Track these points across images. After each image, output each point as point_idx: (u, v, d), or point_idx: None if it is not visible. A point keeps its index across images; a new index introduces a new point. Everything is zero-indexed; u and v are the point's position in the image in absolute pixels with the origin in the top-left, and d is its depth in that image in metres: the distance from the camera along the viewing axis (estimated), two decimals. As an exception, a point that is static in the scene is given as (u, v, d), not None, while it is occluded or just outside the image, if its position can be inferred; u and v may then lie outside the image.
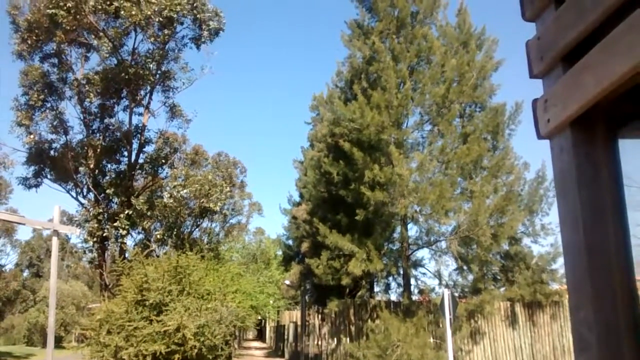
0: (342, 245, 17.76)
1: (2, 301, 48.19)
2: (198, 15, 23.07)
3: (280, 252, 38.17)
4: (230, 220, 39.12)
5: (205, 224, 32.69)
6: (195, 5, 22.82)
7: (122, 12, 21.47)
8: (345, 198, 18.50)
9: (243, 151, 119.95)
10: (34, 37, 23.19)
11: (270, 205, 65.33)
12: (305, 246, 24.54)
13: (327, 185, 20.50)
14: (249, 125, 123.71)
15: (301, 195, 31.41)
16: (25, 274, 57.41)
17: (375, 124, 17.54)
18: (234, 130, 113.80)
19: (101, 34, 23.34)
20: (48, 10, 21.49)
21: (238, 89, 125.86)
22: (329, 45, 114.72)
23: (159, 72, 24.06)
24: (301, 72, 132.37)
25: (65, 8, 21.20)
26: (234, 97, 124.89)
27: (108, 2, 21.61)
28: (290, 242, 35.15)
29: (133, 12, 21.12)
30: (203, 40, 23.89)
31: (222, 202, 26.18)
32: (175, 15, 22.13)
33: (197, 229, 31.19)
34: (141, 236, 26.21)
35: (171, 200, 23.85)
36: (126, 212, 22.35)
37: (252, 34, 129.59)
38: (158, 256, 23.08)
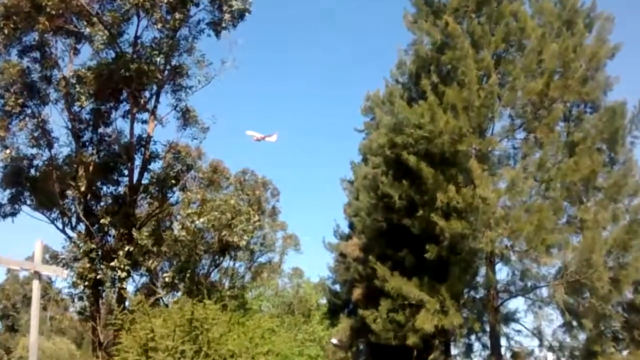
0: (408, 292, 18.66)
1: (-34, 363, 51.37)
2: (217, -6, 24.85)
3: (324, 301, 39.15)
4: (259, 259, 40.53)
5: (227, 263, 34.20)
6: (212, -19, 24.61)
7: (122, -8, 23.35)
8: (410, 229, 19.44)
9: (274, 168, 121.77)
10: (11, 26, 25.08)
11: (311, 238, 66.26)
12: (357, 293, 25.52)
13: (386, 212, 21.47)
14: (282, 134, 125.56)
15: (351, 226, 32.43)
16: (-1, 327, 61.17)
17: (450, 130, 18.49)
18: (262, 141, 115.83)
19: (95, 19, 25.28)
20: (28, -8, 23.55)
21: (266, 87, 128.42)
22: (386, 28, 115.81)
23: (168, 67, 25.80)
24: (348, 64, 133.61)
25: (48, -11, 23.13)
26: (261, 98, 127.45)
27: (103, -21, 23.54)
28: (337, 287, 36.20)
29: (137, -9, 22.93)
30: (224, 25, 25.49)
31: (249, 234, 27.56)
32: (187, -6, 23.94)
33: (216, 270, 32.73)
34: (145, 279, 27.88)
35: (183, 233, 25.39)
36: (126, 249, 23.95)
37: (284, 16, 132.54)
38: (167, 305, 24.61)
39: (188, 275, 27.49)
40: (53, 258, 27.34)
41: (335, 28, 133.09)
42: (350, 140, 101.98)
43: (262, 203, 38.04)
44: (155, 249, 25.78)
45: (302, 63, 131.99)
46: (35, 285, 14.98)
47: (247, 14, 25.92)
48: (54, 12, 23.70)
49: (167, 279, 26.62)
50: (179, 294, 27.36)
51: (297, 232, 47.62)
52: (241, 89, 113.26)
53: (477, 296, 20.15)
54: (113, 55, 25.78)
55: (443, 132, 18.57)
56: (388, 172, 21.51)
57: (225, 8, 25.40)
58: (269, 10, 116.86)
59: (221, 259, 31.28)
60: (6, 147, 25.16)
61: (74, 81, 25.86)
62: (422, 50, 21.06)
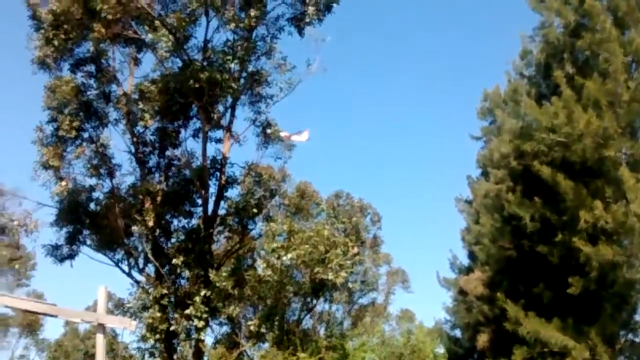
0: (547, 336, 18.53)
1: None
2: (299, -18, 25.71)
3: (442, 350, 38.99)
4: (360, 300, 41.01)
5: (322, 306, 34.87)
6: (293, -33, 25.49)
7: (188, -11, 24.33)
8: (547, 258, 19.31)
9: (373, 189, 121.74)
10: (62, 36, 26.76)
11: (421, 272, 65.87)
12: (483, 339, 25.35)
13: (515, 237, 21.33)
14: (379, 147, 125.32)
15: (472, 256, 32.23)
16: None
17: (593, 132, 18.37)
18: (356, 157, 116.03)
19: (157, 23, 26.61)
20: (81, -5, 24.89)
21: (359, 89, 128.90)
22: (504, 9, 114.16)
23: (244, 74, 26.83)
24: (457, 55, 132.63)
25: (105, -11, 24.32)
26: (354, 104, 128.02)
27: (166, -24, 24.68)
28: (457, 332, 36.06)
29: (205, -12, 23.93)
30: (308, 20, 26.22)
31: (347, 270, 27.94)
32: (262, -14, 24.88)
33: (309, 315, 33.41)
34: (226, 329, 28.80)
35: (269, 272, 26.12)
36: (203, 293, 24.85)
37: (377, 5, 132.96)
38: (252, 359, 25.45)
39: (276, 322, 28.14)
40: (118, 307, 28.54)
41: (436, 12, 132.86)
42: (466, 150, 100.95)
43: (360, 232, 38.47)
44: (236, 292, 26.59)
45: (396, 57, 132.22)
46: (100, 340, 15.91)
47: (334, 4, 26.52)
48: (110, 18, 24.62)
49: (252, 328, 27.30)
50: (267, 345, 28.13)
51: (405, 266, 47.76)
52: (326, 93, 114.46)
53: (637, 339, 19.79)
54: (180, 64, 26.84)
55: (584, 135, 18.47)
56: (515, 187, 21.48)
57: (308, 0, 26.10)
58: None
59: (314, 301, 31.91)
60: (61, 179, 26.70)
61: (136, 97, 27.53)
62: (553, 35, 21.02)
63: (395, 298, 47.40)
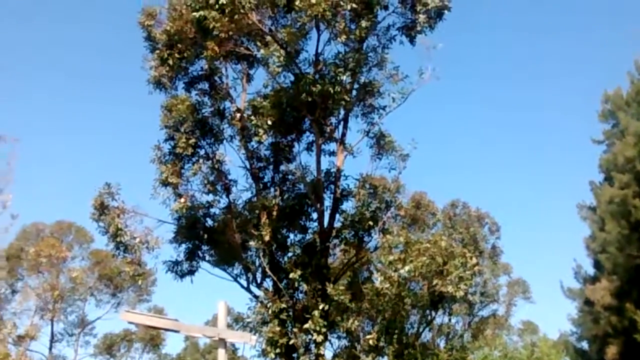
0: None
1: None
2: (409, -8, 25.80)
3: (568, 363, 38.18)
4: (480, 312, 40.62)
5: (441, 318, 34.74)
6: (404, -24, 25.59)
7: (297, 3, 24.34)
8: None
9: (490, 198, 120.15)
10: (176, 55, 27.80)
11: (542, 282, 64.77)
12: (612, 352, 24.69)
13: (645, 245, 20.75)
14: (495, 154, 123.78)
15: (598, 265, 31.41)
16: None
17: None
18: (472, 165, 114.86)
19: (268, 38, 27.26)
20: (194, 14, 25.18)
21: (472, 94, 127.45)
22: (617, 8, 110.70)
23: (356, 86, 27.08)
24: (573, 57, 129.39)
25: (217, 7, 24.57)
26: (467, 110, 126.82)
27: (277, -9, 25.09)
28: (584, 344, 35.21)
29: (313, 1, 23.71)
30: (419, 28, 26.31)
31: (466, 282, 27.67)
32: (376, -4, 25.05)
33: (428, 328, 33.32)
34: (344, 342, 29.01)
35: (386, 285, 26.12)
36: (321, 307, 25.12)
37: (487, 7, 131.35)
38: (372, 373, 25.54)
39: (395, 335, 28.12)
40: (237, 321, 29.25)
41: (545, 13, 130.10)
42: (587, 155, 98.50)
43: (478, 242, 38.21)
44: (354, 305, 26.70)
45: (508, 60, 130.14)
46: (221, 354, 16.29)
47: (445, 11, 26.47)
48: (222, 35, 25.29)
49: (370, 342, 27.37)
50: (386, 359, 28.21)
51: (526, 276, 47.10)
52: (438, 100, 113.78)
53: None
54: (291, 78, 27.28)
55: None
56: (644, 192, 20.93)
57: (419, 7, 26.07)
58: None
59: (433, 314, 31.80)
60: (180, 196, 27.59)
61: (249, 113, 28.08)
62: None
63: (516, 309, 46.81)
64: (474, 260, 28.14)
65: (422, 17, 26.14)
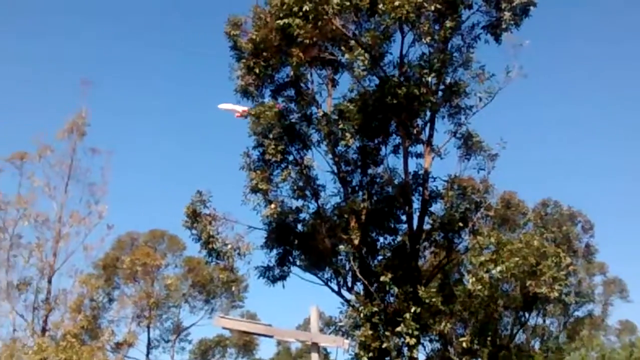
0: None
1: None
2: (493, -11, 25.72)
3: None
4: (575, 312, 40.00)
5: (535, 320, 34.43)
6: (487, -27, 25.52)
7: (381, 6, 24.45)
8: None
9: (582, 196, 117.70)
10: (262, 63, 28.41)
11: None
12: None
13: None
14: (587, 152, 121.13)
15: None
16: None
17: None
18: (562, 163, 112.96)
19: (352, 43, 27.52)
20: (279, 22, 25.57)
21: (560, 92, 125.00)
22: None
23: (441, 86, 27.14)
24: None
25: (301, 14, 24.89)
26: (555, 108, 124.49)
27: (358, -5, 25.26)
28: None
29: (396, 3, 23.83)
30: (504, 26, 26.08)
31: (561, 282, 27.39)
32: (459, -4, 25.08)
33: (521, 330, 33.12)
34: (437, 345, 29.10)
35: (478, 286, 26.06)
36: (412, 310, 25.10)
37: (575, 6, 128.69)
38: (467, 376, 25.60)
39: (489, 338, 28.14)
40: (329, 325, 29.60)
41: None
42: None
43: (572, 241, 37.66)
44: (446, 308, 26.74)
45: (599, 58, 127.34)
46: (315, 359, 16.80)
47: (531, 7, 26.20)
48: (307, 42, 25.77)
49: (464, 344, 27.43)
50: (479, 360, 28.17)
51: (622, 275, 46.17)
52: (525, 98, 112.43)
53: None
54: (376, 81, 27.66)
55: None
56: None
57: (504, 5, 25.90)
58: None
59: (527, 315, 31.55)
60: (270, 202, 28.02)
61: (335, 117, 28.43)
62: None
63: (613, 309, 46.06)
64: (568, 260, 27.85)
65: (507, 15, 25.95)
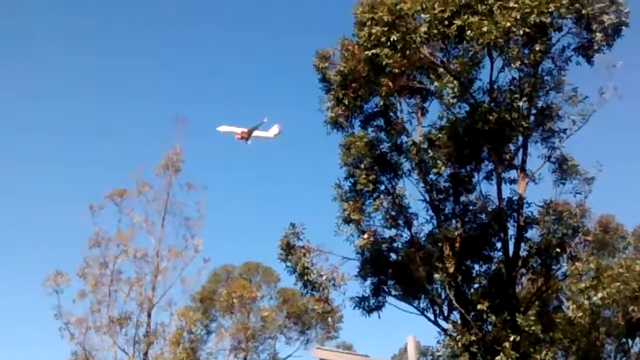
0: None
1: None
2: (583, 11, 25.39)
3: None
4: (682, 340, 38.97)
5: (638, 346, 33.60)
6: (576, -5, 25.35)
7: (468, 32, 24.53)
8: None
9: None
10: (351, 94, 28.70)
11: None
12: None
13: None
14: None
15: None
16: None
17: None
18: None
19: (441, 70, 27.72)
20: (367, 52, 25.95)
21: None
22: None
23: (533, 111, 27.07)
24: None
25: (389, 44, 25.33)
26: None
27: (446, 22, 25.27)
28: None
29: (484, 29, 23.98)
30: (596, 47, 25.87)
31: (666, 309, 26.97)
32: (548, 19, 24.87)
33: (624, 357, 32.39)
34: (537, 374, 28.62)
35: (579, 313, 25.78)
36: (512, 339, 24.90)
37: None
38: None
39: (593, 366, 27.65)
40: (424, 355, 29.59)
41: None
42: None
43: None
44: (545, 336, 26.44)
45: None
46: (417, 389, 17.01)
47: (623, 27, 25.98)
48: (396, 71, 26.19)
49: (567, 373, 27.12)
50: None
51: None
52: (621, 118, 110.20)
53: None
54: (467, 108, 27.77)
55: None
56: None
57: (595, 26, 25.69)
58: None
59: (630, 342, 30.83)
60: (363, 232, 28.32)
61: (425, 146, 28.61)
62: None
63: None
64: (672, 285, 27.27)
65: (598, 36, 25.73)
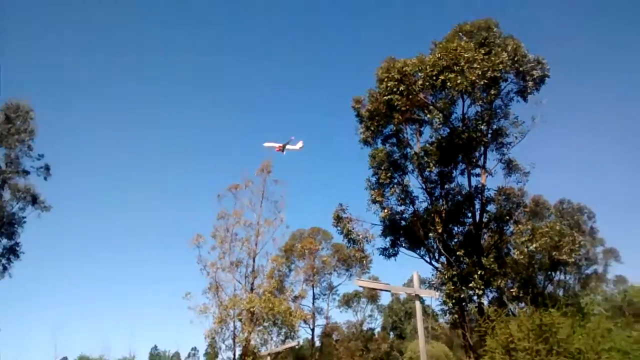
0: None
1: (376, 363, 58.30)
2: (520, 68, 25.65)
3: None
4: (586, 271, 38.84)
5: (558, 276, 33.62)
6: (515, 59, 25.53)
7: (448, 83, 25.04)
8: None
9: (587, 195, 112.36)
10: (375, 124, 29.21)
11: (630, 249, 59.75)
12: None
13: None
14: (592, 165, 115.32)
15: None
16: (391, 336, 67.76)
17: None
18: (576, 172, 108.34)
19: (431, 107, 28.17)
20: (384, 97, 26.59)
21: (576, 132, 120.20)
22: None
23: (490, 131, 27.36)
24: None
25: (398, 92, 25.95)
26: (571, 141, 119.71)
27: (434, 77, 25.75)
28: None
29: (458, 81, 24.53)
30: (529, 91, 26.27)
31: (575, 253, 27.09)
32: (498, 74, 25.20)
33: (549, 284, 32.44)
34: (495, 294, 28.98)
35: (521, 257, 26.10)
36: (479, 272, 25.50)
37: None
38: (514, 314, 25.46)
39: (529, 288, 27.88)
40: (423, 283, 29.89)
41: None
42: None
43: (581, 225, 36.74)
44: (500, 270, 26.82)
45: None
46: (418, 305, 17.48)
47: (547, 78, 26.36)
48: (403, 108, 26.91)
49: (513, 293, 27.41)
50: (523, 304, 27.88)
51: (616, 245, 44.58)
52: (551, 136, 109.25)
53: None
54: (447, 130, 28.18)
55: None
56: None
57: (527, 78, 26.16)
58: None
59: (553, 274, 30.94)
60: (384, 208, 29.05)
61: (422, 154, 28.96)
62: None
63: (610, 268, 44.66)
64: (579, 238, 27.47)
65: (530, 84, 26.30)
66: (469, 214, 28.34)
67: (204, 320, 30.87)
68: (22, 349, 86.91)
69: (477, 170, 28.51)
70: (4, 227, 35.44)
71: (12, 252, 35.75)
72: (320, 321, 56.20)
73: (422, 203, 29.65)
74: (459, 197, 28.89)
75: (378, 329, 66.38)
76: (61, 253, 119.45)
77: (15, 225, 35.95)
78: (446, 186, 29.33)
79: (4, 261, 35.44)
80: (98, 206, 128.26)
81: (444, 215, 28.45)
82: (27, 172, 36.57)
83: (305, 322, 46.07)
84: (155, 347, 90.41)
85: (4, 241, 35.68)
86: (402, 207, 29.71)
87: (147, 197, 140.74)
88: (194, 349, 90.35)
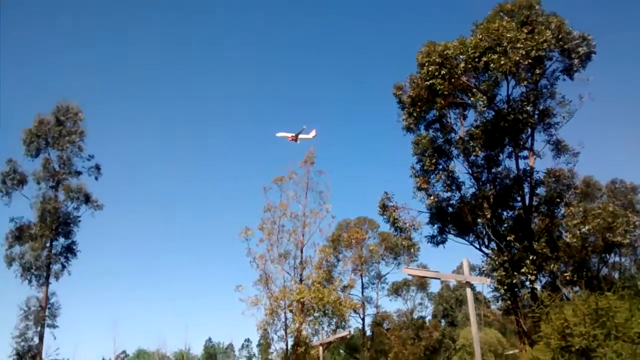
0: None
1: (429, 350, 57.98)
2: (565, 46, 24.96)
3: None
4: (641, 251, 37.71)
5: (613, 259, 32.77)
6: (560, 37, 24.85)
7: (491, 65, 24.60)
8: None
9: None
10: (417, 109, 28.82)
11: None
12: None
13: None
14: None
15: None
16: (442, 323, 67.60)
17: None
18: (628, 150, 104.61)
19: (474, 90, 27.67)
20: (426, 82, 26.26)
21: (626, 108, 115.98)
22: None
23: (536, 112, 26.76)
24: None
25: (440, 76, 25.63)
26: (620, 118, 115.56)
27: (476, 60, 25.30)
28: None
29: (502, 62, 24.04)
30: (575, 69, 25.62)
31: (630, 233, 26.41)
32: (542, 53, 24.59)
33: (604, 266, 31.66)
34: (548, 279, 28.45)
35: (574, 240, 25.53)
36: (530, 257, 25.09)
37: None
38: (568, 299, 24.95)
39: (583, 272, 27.30)
40: (473, 270, 29.69)
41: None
42: None
43: (634, 205, 35.59)
44: (552, 255, 26.30)
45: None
46: (469, 292, 17.20)
47: (593, 54, 25.65)
48: (446, 93, 26.50)
49: (567, 277, 26.90)
50: (577, 288, 27.33)
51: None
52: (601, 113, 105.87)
53: None
54: (492, 113, 27.71)
55: None
56: None
57: (573, 55, 25.46)
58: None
59: (608, 256, 30.19)
60: (430, 195, 28.97)
61: (467, 139, 28.67)
62: None
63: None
64: (634, 218, 26.76)
65: (576, 61, 25.55)
66: (518, 198, 27.84)
67: (255, 312, 31.26)
68: (83, 344, 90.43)
69: (525, 153, 27.97)
70: (60, 227, 36.97)
71: (70, 250, 37.28)
72: (370, 310, 56.45)
73: (469, 189, 29.40)
74: (507, 180, 28.41)
75: (429, 317, 66.27)
76: (118, 250, 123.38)
77: (71, 225, 37.49)
78: (493, 170, 28.88)
79: (62, 260, 36.98)
80: (151, 205, 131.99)
81: (492, 200, 28.01)
82: (79, 173, 38.10)
83: (355, 311, 46.06)
84: (210, 339, 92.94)
85: (62, 240, 37.28)
86: (449, 194, 29.54)
87: (196, 188, 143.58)
88: (247, 340, 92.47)
